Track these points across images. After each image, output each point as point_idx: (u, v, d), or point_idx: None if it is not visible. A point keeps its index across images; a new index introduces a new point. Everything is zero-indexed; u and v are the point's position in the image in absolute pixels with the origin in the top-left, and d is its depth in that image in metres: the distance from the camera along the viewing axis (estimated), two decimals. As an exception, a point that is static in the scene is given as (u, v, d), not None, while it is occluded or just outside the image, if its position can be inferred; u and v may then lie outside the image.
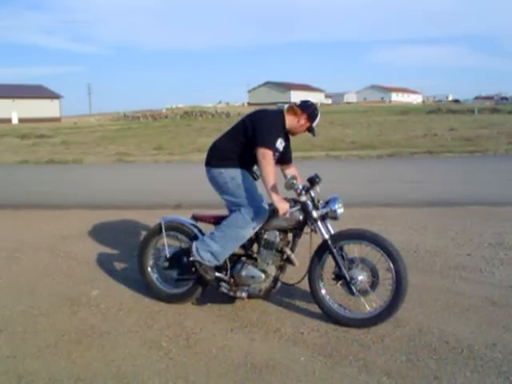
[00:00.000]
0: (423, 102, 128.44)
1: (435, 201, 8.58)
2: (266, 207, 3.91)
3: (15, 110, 67.88)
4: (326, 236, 3.81)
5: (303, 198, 3.80)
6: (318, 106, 4.14)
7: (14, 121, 66.76)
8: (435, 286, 4.57)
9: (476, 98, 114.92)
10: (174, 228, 4.35)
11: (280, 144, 3.99)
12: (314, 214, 3.80)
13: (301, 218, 3.86)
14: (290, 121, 4.03)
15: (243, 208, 3.90)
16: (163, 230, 4.31)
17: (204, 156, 4.22)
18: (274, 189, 3.76)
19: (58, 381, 3.21)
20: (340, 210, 3.85)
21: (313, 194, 3.90)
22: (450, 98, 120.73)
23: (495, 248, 5.64)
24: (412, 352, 3.42)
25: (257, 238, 4.01)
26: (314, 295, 3.93)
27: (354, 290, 3.76)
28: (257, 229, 3.91)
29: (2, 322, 4.07)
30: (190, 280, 4.25)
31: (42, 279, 5.09)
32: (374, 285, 3.77)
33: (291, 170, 4.37)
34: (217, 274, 4.07)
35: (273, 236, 3.92)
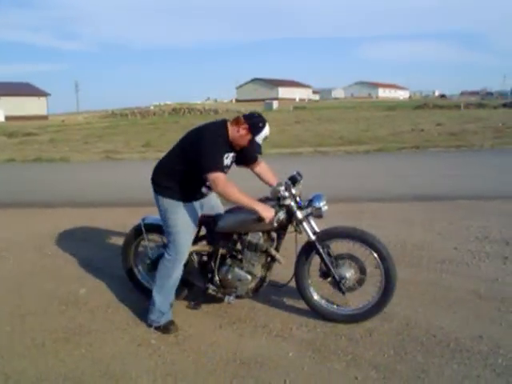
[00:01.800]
0: (410, 97, 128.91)
1: (422, 195, 8.63)
2: (186, 251, 3.79)
3: (1, 108, 67.04)
4: (313, 237, 3.72)
5: (287, 202, 3.65)
6: (265, 118, 3.62)
7: (1, 119, 65.96)
8: (422, 280, 4.60)
9: (462, 93, 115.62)
10: (155, 229, 4.22)
11: (228, 159, 3.74)
12: (299, 215, 3.68)
13: (284, 220, 3.72)
14: (231, 131, 3.67)
15: (165, 253, 3.81)
16: (144, 232, 4.22)
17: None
18: (250, 201, 3.56)
19: (46, 380, 3.20)
20: (325, 208, 3.73)
21: (294, 192, 3.76)
22: (437, 94, 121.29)
23: (481, 242, 5.69)
24: (400, 346, 3.45)
25: (240, 239, 3.88)
26: (301, 294, 3.91)
27: (343, 288, 3.73)
28: (182, 264, 3.81)
29: (-11, 322, 4.05)
30: None
31: (30, 278, 5.06)
32: (361, 281, 3.76)
33: (260, 167, 4.10)
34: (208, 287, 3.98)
35: (256, 238, 3.78)
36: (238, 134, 3.65)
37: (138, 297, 4.43)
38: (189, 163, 3.64)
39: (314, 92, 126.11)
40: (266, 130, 3.68)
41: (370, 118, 32.80)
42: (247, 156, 3.97)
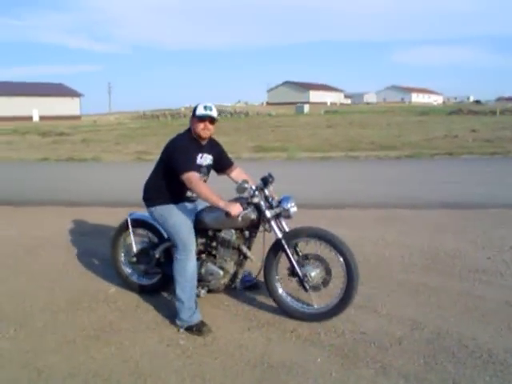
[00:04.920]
0: (444, 102, 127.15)
1: (455, 203, 8.47)
2: (193, 244, 3.92)
3: (36, 108, 68.83)
4: (280, 235, 3.86)
5: (256, 200, 3.83)
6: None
7: (35, 118, 67.70)
8: (454, 289, 4.51)
9: (498, 99, 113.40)
10: (141, 224, 4.51)
11: (202, 159, 4.08)
12: (268, 214, 3.84)
13: (254, 218, 3.88)
14: (195, 133, 4.05)
15: (175, 250, 3.97)
16: (130, 227, 4.47)
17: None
18: (217, 198, 3.75)
19: (77, 376, 3.24)
20: (293, 209, 3.90)
21: (267, 193, 3.96)
22: (471, 99, 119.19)
23: (516, 252, 5.55)
24: (430, 355, 3.38)
25: (214, 236, 4.06)
26: (270, 292, 4.02)
27: (307, 287, 3.84)
28: (194, 255, 3.94)
29: (23, 318, 4.13)
30: (157, 273, 4.45)
31: (61, 276, 5.15)
32: (326, 280, 3.84)
33: (237, 172, 4.40)
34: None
35: (229, 235, 3.97)
36: (198, 128, 3.99)
37: (167, 296, 4.48)
38: (169, 171, 4.00)
39: (346, 96, 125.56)
40: (199, 105, 4.00)
41: (402, 123, 32.41)
42: (222, 162, 4.34)
